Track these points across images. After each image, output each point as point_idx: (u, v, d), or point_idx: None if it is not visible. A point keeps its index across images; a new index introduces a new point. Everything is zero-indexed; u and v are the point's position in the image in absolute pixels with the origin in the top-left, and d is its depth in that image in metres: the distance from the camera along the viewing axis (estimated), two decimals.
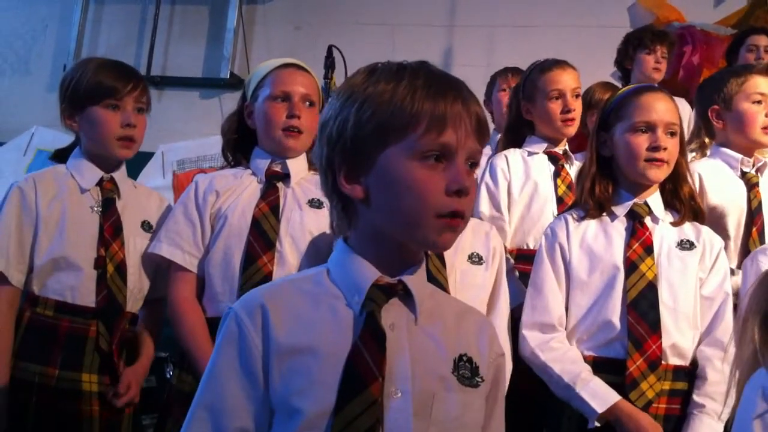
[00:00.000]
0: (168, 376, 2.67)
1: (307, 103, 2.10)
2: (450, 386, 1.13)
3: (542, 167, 2.59)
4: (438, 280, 1.94)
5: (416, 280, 1.16)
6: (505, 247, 2.30)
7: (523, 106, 2.68)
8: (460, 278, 2.02)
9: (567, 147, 2.67)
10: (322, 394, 1.06)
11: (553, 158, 2.61)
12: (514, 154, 2.61)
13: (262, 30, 4.98)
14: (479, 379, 1.16)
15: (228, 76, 4.82)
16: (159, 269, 2.17)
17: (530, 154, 2.62)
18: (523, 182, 2.56)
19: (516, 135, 2.70)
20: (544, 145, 2.63)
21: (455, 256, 2.02)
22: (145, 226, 2.23)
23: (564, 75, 2.63)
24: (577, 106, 2.62)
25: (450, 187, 1.09)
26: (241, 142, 2.19)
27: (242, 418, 1.09)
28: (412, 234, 1.11)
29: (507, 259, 2.23)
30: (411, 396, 1.09)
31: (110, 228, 2.14)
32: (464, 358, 1.16)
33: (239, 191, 2.09)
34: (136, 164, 3.89)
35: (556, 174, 2.58)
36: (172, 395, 2.07)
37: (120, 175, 2.24)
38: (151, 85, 4.78)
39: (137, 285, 2.17)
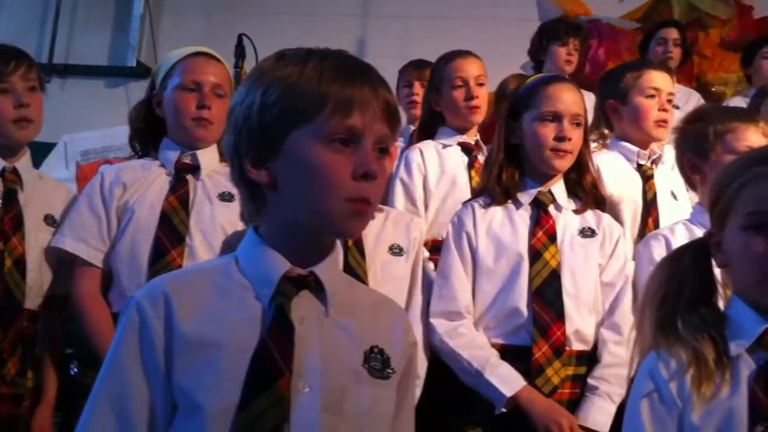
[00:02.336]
0: (73, 373, 2.60)
1: (218, 93, 2.06)
2: (361, 379, 1.11)
3: (457, 159, 2.62)
4: (357, 273, 1.94)
5: (328, 271, 1.14)
6: None
7: (432, 98, 2.73)
8: (380, 270, 2.03)
9: (478, 137, 2.71)
10: (227, 389, 1.03)
11: (466, 149, 2.65)
12: (428, 147, 2.64)
13: (170, 17, 4.87)
14: (390, 371, 1.15)
15: (134, 65, 4.72)
16: (62, 264, 2.10)
17: (444, 146, 2.65)
18: (439, 175, 2.58)
19: (430, 130, 2.73)
20: (457, 137, 2.67)
21: (376, 248, 2.03)
22: (49, 220, 2.14)
23: (466, 64, 2.67)
24: (481, 93, 2.66)
25: (357, 170, 1.07)
26: (149, 132, 2.14)
27: (146, 411, 1.05)
28: (320, 220, 1.08)
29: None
30: (320, 391, 1.06)
31: (10, 221, 2.06)
32: (375, 350, 1.14)
33: (147, 183, 2.04)
34: (38, 155, 3.72)
35: (470, 165, 2.61)
36: (79, 392, 2.00)
37: (24, 165, 2.16)
38: (53, 73, 4.68)
39: (37, 281, 2.08)
